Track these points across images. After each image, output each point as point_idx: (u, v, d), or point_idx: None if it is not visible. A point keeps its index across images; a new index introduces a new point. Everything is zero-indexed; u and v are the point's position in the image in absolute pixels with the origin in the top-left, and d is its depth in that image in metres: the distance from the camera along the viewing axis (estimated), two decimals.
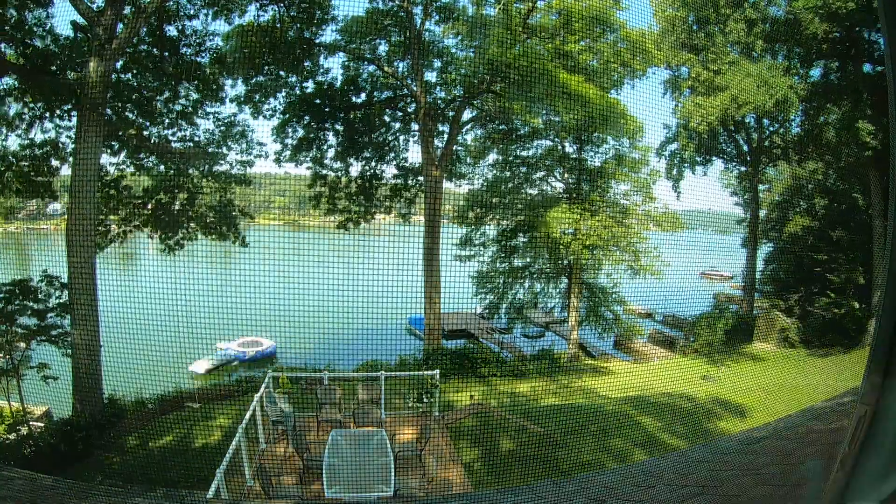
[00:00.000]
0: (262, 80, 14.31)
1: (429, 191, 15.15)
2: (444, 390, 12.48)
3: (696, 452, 3.30)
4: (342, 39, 14.60)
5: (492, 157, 16.98)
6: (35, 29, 11.78)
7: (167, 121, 13.69)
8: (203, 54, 13.61)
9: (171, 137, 13.83)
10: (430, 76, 15.40)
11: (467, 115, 16.05)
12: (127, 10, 11.53)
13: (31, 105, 12.20)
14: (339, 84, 14.93)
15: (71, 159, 11.88)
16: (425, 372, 11.82)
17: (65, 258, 11.04)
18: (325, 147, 15.23)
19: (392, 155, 15.82)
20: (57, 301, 11.10)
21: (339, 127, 15.28)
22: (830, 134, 16.08)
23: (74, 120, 11.83)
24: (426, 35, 14.93)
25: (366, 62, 14.97)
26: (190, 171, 13.97)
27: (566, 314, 16.99)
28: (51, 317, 10.95)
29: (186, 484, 8.62)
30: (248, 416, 8.29)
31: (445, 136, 15.63)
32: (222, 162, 14.19)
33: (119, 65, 12.27)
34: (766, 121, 17.71)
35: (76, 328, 10.96)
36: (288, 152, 14.86)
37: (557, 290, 17.08)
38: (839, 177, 18.29)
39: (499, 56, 13.47)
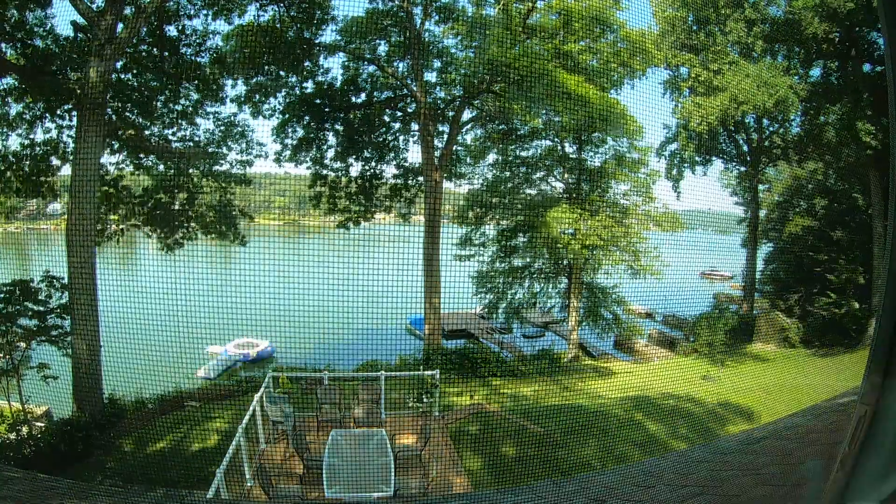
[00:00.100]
0: (262, 80, 14.31)
1: (429, 191, 15.15)
2: (443, 390, 12.47)
3: (696, 452, 3.31)
4: (342, 39, 14.61)
5: (491, 157, 17.00)
6: (35, 29, 11.79)
7: (167, 120, 13.70)
8: (203, 54, 13.62)
9: (171, 137, 13.85)
10: (430, 76, 15.43)
11: (467, 115, 16.07)
12: (127, 10, 11.54)
13: (32, 105, 12.21)
14: (339, 84, 14.93)
15: (71, 159, 11.90)
16: (425, 372, 11.83)
17: (65, 258, 11.05)
18: (325, 147, 15.24)
19: (392, 155, 15.83)
20: (57, 301, 11.09)
21: (339, 127, 15.28)
22: (830, 134, 16.08)
23: (74, 120, 11.84)
24: (426, 35, 14.94)
25: (366, 62, 14.98)
26: (190, 170, 13.97)
27: (566, 314, 17.00)
28: (51, 317, 10.95)
29: (186, 484, 8.62)
30: (248, 416, 8.29)
31: (445, 136, 15.64)
32: (222, 162, 14.22)
33: (119, 65, 12.28)
34: (765, 121, 17.72)
35: (76, 328, 10.96)
36: (288, 152, 14.86)
37: (557, 291, 17.08)
38: (839, 177, 18.29)
39: (499, 56, 13.47)
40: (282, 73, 14.48)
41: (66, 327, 11.02)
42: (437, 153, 15.15)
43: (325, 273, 11.70)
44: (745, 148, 18.58)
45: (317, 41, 14.42)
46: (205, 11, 13.35)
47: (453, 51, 15.16)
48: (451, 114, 15.64)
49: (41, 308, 10.90)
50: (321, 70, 14.78)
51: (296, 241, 14.21)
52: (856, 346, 15.02)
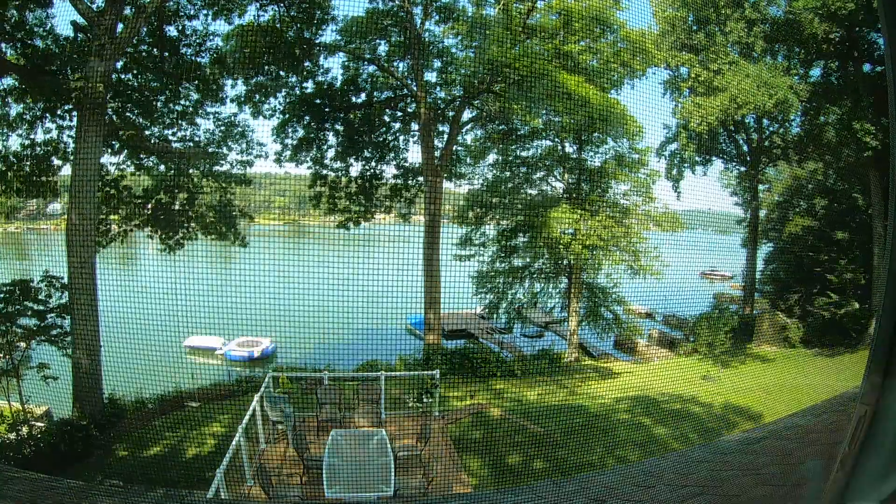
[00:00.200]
0: (262, 80, 14.31)
1: (429, 191, 15.15)
2: (443, 390, 12.48)
3: (696, 452, 3.30)
4: (342, 39, 14.60)
5: (492, 157, 17.00)
6: (35, 29, 11.79)
7: (167, 121, 13.70)
8: (203, 54, 13.63)
9: (171, 137, 13.85)
10: (430, 76, 15.42)
11: (467, 115, 16.07)
12: (127, 10, 11.54)
13: (32, 105, 12.22)
14: (339, 84, 14.93)
15: (71, 159, 11.90)
16: (425, 372, 11.83)
17: (65, 258, 11.05)
18: (325, 147, 15.23)
19: (392, 155, 15.82)
20: (57, 301, 11.09)
21: (339, 127, 15.28)
22: (830, 134, 16.08)
23: (75, 120, 11.84)
24: (426, 35, 14.94)
25: (366, 62, 14.98)
26: (190, 171, 13.97)
27: (566, 314, 16.99)
28: (51, 317, 10.95)
29: (186, 484, 8.63)
30: (248, 416, 8.29)
31: (445, 136, 15.64)
32: (222, 162, 14.22)
33: (119, 65, 12.28)
34: (765, 121, 17.72)
35: (76, 328, 10.96)
36: (288, 152, 14.86)
37: (557, 290, 17.08)
38: (839, 177, 18.29)
39: (499, 56, 13.46)
40: (282, 73, 14.48)
41: (65, 327, 11.02)
42: (437, 153, 15.15)
43: (325, 273, 11.70)
44: (745, 148, 18.58)
45: (317, 41, 14.43)
46: (205, 11, 13.37)
47: (453, 51, 15.18)
48: (451, 114, 15.64)
49: (41, 308, 10.90)
50: (321, 70, 14.80)
51: (296, 242, 14.22)
52: (856, 346, 15.03)
